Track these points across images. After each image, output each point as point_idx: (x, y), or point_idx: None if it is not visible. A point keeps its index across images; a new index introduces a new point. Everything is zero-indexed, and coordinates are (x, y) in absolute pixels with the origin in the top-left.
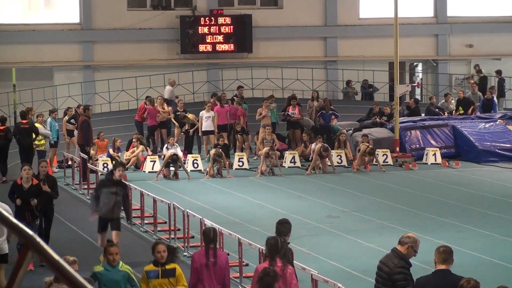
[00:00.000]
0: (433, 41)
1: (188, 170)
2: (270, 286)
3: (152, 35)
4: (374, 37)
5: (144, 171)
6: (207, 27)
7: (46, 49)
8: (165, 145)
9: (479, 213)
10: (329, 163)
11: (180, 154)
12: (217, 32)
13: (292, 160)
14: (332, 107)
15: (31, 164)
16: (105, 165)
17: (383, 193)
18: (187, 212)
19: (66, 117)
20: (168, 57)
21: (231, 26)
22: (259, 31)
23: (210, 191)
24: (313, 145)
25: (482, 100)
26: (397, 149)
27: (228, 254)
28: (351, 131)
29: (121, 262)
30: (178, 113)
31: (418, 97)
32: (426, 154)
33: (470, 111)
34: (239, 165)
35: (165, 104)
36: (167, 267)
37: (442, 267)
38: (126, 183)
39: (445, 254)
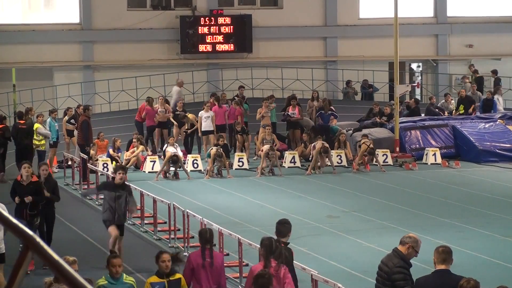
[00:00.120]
0: (433, 41)
1: (188, 170)
2: (265, 287)
3: (152, 35)
4: (374, 37)
5: (144, 171)
6: (207, 27)
7: (46, 49)
8: (165, 145)
9: (479, 213)
10: (329, 163)
11: (180, 154)
12: (217, 32)
13: (292, 160)
14: (332, 107)
15: (31, 163)
16: (105, 165)
17: (383, 193)
18: (187, 212)
19: (66, 117)
20: (168, 57)
21: (231, 26)
22: (259, 31)
23: (210, 191)
24: (314, 144)
25: (482, 100)
26: (397, 149)
27: (227, 254)
28: (351, 131)
29: (124, 274)
30: (177, 113)
31: (418, 97)
32: (426, 154)
33: (471, 109)
34: (239, 165)
35: (166, 105)
36: (172, 278)
37: (442, 267)
38: (129, 184)
39: (445, 254)
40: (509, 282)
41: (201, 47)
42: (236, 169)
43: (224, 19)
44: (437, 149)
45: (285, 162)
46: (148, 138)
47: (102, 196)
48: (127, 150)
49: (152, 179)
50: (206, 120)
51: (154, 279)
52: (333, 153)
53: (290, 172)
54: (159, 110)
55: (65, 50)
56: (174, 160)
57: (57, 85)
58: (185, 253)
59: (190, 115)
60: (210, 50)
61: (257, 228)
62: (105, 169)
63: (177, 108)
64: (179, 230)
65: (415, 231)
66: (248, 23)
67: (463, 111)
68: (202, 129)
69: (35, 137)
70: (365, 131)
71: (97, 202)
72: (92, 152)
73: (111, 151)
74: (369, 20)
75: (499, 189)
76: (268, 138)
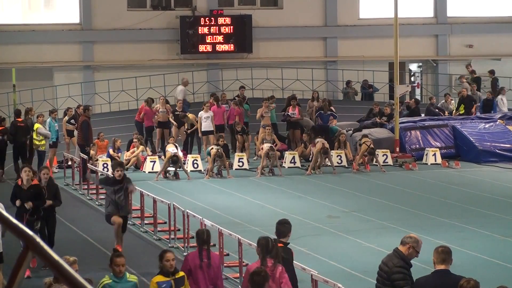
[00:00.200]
0: (433, 42)
1: (188, 171)
2: (260, 285)
3: (152, 35)
4: (374, 37)
5: (144, 172)
6: (207, 27)
7: (46, 49)
8: (166, 144)
9: (479, 213)
10: (328, 163)
11: (181, 154)
12: (217, 32)
13: (292, 161)
14: (332, 107)
15: (31, 164)
16: (105, 165)
17: (383, 193)
18: (187, 212)
19: (66, 117)
20: (168, 57)
21: (231, 26)
22: (259, 31)
23: (210, 191)
24: (315, 142)
25: (482, 100)
26: (397, 149)
27: (228, 254)
28: (351, 131)
29: (127, 273)
30: (177, 113)
31: (418, 97)
32: (426, 155)
33: (474, 109)
34: (239, 166)
35: (167, 105)
36: (177, 276)
37: (441, 267)
38: (128, 176)
39: (444, 254)
40: (509, 282)
41: (201, 47)
42: (236, 169)
43: (224, 19)
44: (437, 149)
45: (285, 162)
46: (147, 138)
47: (104, 197)
48: (128, 150)
49: (152, 179)
50: (206, 121)
51: (160, 278)
52: (333, 153)
53: (290, 172)
54: (160, 110)
55: (65, 50)
56: (174, 160)
57: (57, 85)
58: (185, 253)
59: (190, 115)
60: (210, 50)
61: (257, 228)
62: (105, 169)
63: (176, 108)
64: (179, 230)
65: (415, 231)
66: (248, 23)
67: (463, 111)
68: (202, 129)
69: (35, 137)
70: (365, 131)
71: (97, 202)
72: (92, 152)
73: (111, 151)
74: (369, 20)
75: (499, 189)
76: (268, 138)
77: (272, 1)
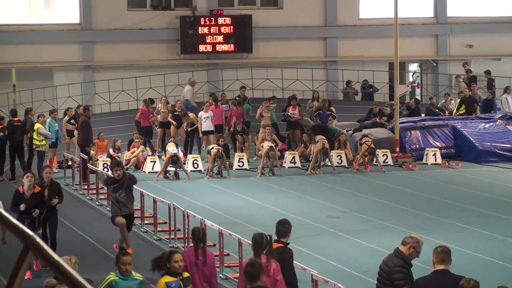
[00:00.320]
0: (433, 42)
1: (188, 171)
2: (255, 277)
3: (152, 35)
4: (374, 37)
5: (144, 172)
6: (207, 27)
7: (46, 49)
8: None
9: (479, 213)
10: (328, 163)
11: (180, 154)
12: (217, 32)
13: (292, 161)
14: (331, 108)
15: (31, 166)
16: (105, 165)
17: (383, 193)
18: (187, 212)
19: (66, 118)
20: (168, 58)
21: (231, 27)
22: (259, 31)
23: (210, 191)
24: (315, 140)
25: (482, 100)
26: (397, 149)
27: (228, 254)
28: (351, 132)
29: (133, 272)
30: (176, 113)
31: (418, 97)
32: (426, 155)
33: (477, 110)
34: (239, 166)
35: (168, 105)
36: (184, 276)
37: (441, 267)
38: (127, 172)
39: (443, 254)
40: (509, 282)
41: (201, 47)
42: (236, 169)
43: (224, 19)
44: (437, 149)
45: (285, 162)
46: (145, 139)
47: (103, 197)
48: (128, 150)
49: (152, 179)
50: (205, 121)
51: (168, 278)
52: (333, 153)
53: (290, 173)
54: (161, 110)
55: (65, 50)
56: (174, 161)
57: (57, 85)
58: None
59: (190, 114)
60: (210, 50)
61: (257, 228)
62: (105, 169)
63: (176, 108)
64: (179, 230)
65: (415, 231)
66: (248, 23)
67: (463, 111)
68: (202, 129)
69: (35, 137)
70: (365, 131)
71: (97, 202)
72: (92, 152)
73: (111, 151)
74: (369, 20)
75: (499, 189)
76: (268, 138)
77: (272, 1)
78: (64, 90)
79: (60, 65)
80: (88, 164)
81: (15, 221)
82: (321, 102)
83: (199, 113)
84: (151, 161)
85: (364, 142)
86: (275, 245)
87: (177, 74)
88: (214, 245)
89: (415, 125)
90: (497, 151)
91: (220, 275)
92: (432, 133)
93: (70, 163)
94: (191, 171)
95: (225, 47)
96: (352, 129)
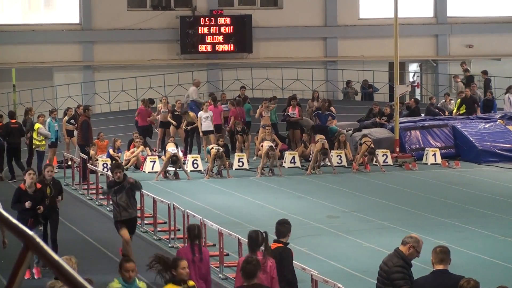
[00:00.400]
0: (433, 42)
1: (188, 171)
2: (252, 274)
3: (152, 35)
4: (374, 37)
5: (144, 172)
6: (207, 27)
7: (46, 49)
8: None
9: (479, 213)
10: (328, 163)
11: (180, 154)
12: (217, 32)
13: (292, 161)
14: (331, 108)
15: (31, 166)
16: (105, 165)
17: (383, 193)
18: (187, 212)
19: (66, 117)
20: (168, 58)
21: (231, 27)
22: (259, 31)
23: (210, 191)
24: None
25: (482, 100)
26: (397, 149)
27: (228, 254)
28: (350, 132)
29: (136, 279)
30: (176, 113)
31: (418, 97)
32: (426, 154)
33: (478, 110)
34: (239, 166)
35: (169, 105)
36: (190, 284)
37: (440, 267)
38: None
39: (442, 254)
40: (509, 282)
41: (201, 47)
42: (236, 169)
43: (224, 19)
44: (437, 149)
45: (285, 162)
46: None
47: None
48: (128, 150)
49: (152, 179)
50: (205, 121)
51: (172, 287)
52: (333, 153)
53: (290, 172)
54: (162, 110)
55: (65, 50)
56: (174, 161)
57: (57, 85)
58: None
59: (190, 113)
60: (210, 50)
61: (257, 228)
62: (105, 169)
63: (175, 108)
64: (179, 230)
65: (415, 231)
66: (248, 23)
67: (464, 111)
68: (202, 129)
69: (35, 137)
70: (365, 131)
71: (97, 203)
72: (92, 152)
73: (111, 151)
74: (369, 20)
75: (499, 189)
76: (268, 138)
77: (272, 1)
78: (64, 90)
79: (60, 65)
80: (88, 164)
81: (14, 220)
82: (320, 102)
83: (199, 113)
84: (151, 161)
85: (364, 142)
86: (275, 245)
87: (177, 74)
88: (214, 245)
89: (415, 125)
90: (497, 151)
91: (220, 275)
92: (432, 133)
93: (70, 163)
94: (191, 171)
95: (225, 47)
96: (352, 129)
